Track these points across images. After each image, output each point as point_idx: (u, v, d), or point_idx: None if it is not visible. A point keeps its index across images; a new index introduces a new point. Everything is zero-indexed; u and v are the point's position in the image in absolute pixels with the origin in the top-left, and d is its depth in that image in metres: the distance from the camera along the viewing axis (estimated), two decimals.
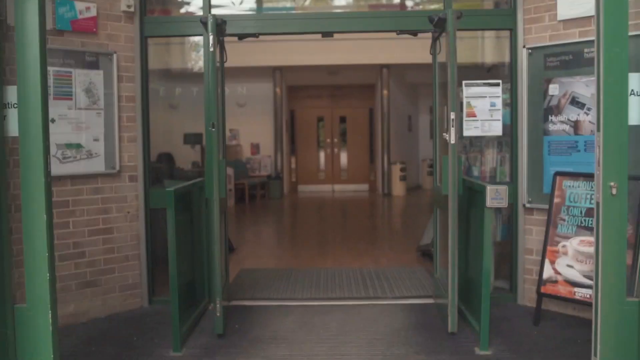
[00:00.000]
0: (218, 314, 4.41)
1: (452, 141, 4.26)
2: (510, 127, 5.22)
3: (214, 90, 4.37)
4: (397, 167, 15.00)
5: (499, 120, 5.17)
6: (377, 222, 11.21)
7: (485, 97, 5.16)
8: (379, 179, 15.82)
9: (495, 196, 4.03)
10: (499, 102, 5.17)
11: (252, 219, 11.75)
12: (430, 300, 5.33)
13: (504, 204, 4.06)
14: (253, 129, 15.42)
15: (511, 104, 5.22)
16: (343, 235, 9.30)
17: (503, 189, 4.05)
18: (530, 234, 5.11)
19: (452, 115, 4.26)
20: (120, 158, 5.02)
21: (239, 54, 14.27)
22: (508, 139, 5.30)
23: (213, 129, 4.37)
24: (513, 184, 5.17)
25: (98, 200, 4.93)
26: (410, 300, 5.37)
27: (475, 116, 5.15)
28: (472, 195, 4.47)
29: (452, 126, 4.25)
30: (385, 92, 15.21)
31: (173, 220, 4.21)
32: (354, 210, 12.86)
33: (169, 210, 4.22)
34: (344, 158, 16.80)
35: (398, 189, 15.01)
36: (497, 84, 5.17)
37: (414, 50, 14.65)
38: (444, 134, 4.36)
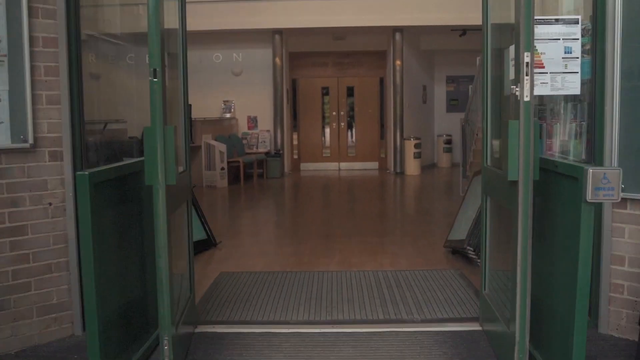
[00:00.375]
0: (166, 359, 2.94)
1: (527, 97, 2.72)
2: (592, 84, 3.66)
3: (156, 13, 2.81)
4: (411, 143, 13.45)
5: (577, 73, 3.62)
6: (392, 208, 9.70)
7: (558, 39, 3.61)
8: (390, 157, 14.28)
9: (602, 185, 2.50)
10: (577, 48, 3.61)
11: (245, 203, 10.25)
12: (475, 326, 3.83)
13: (615, 197, 2.53)
14: (250, 101, 13.87)
15: (593, 51, 3.65)
16: (352, 224, 7.80)
17: (614, 174, 2.52)
18: (622, 235, 3.58)
19: (527, 57, 2.71)
20: (34, 127, 3.50)
21: (233, 15, 12.71)
22: (587, 100, 3.75)
23: (155, 79, 2.83)
24: (593, 164, 3.63)
25: (1, 187, 3.42)
26: (447, 325, 3.87)
27: (542, 67, 3.61)
28: (551, 182, 2.93)
29: (527, 74, 2.71)
30: (398, 60, 13.59)
31: (87, 220, 2.72)
32: (363, 193, 11.35)
33: (81, 205, 2.72)
34: (351, 133, 15.23)
35: (412, 167, 13.47)
36: (575, 22, 3.61)
37: (429, 10, 13.12)
38: (513, 87, 2.81)
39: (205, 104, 13.75)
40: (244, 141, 13.69)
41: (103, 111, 5.19)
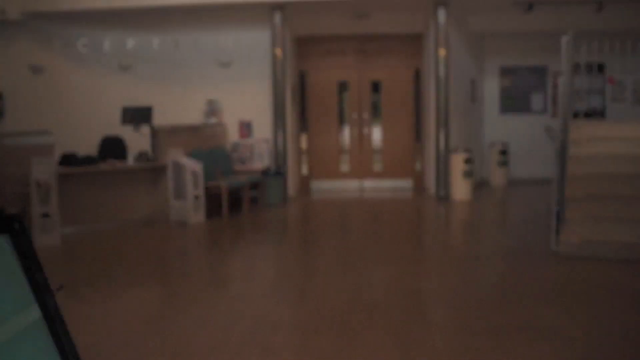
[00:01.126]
0: None
1: None
2: None
3: None
4: (460, 158, 9.88)
5: None
6: (449, 270, 6.16)
7: None
8: (430, 173, 10.74)
9: None
10: None
11: (220, 253, 6.79)
12: None
13: None
14: (243, 101, 10.41)
15: None
16: (391, 302, 4.30)
17: None
18: None
19: None
20: None
21: None
22: None
23: None
24: None
25: None
26: None
27: None
28: None
29: None
30: (441, 45, 10.01)
31: None
32: (399, 231, 7.84)
33: None
34: (377, 141, 11.69)
35: (461, 190, 9.91)
36: None
37: None
38: None
39: (180, 106, 10.32)
40: (235, 154, 10.25)
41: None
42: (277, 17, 9.98)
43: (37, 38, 10.11)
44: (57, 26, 10.16)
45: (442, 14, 9.97)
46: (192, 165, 8.35)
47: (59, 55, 10.21)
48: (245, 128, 10.43)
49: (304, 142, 11.64)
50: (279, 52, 9.99)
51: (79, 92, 10.32)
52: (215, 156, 9.41)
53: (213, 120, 10.21)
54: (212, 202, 8.85)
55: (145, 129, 8.44)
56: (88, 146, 10.10)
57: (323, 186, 11.52)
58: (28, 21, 9.93)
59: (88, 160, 8.03)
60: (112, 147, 9.61)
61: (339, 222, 8.97)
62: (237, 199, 9.28)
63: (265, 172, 9.83)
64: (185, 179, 8.21)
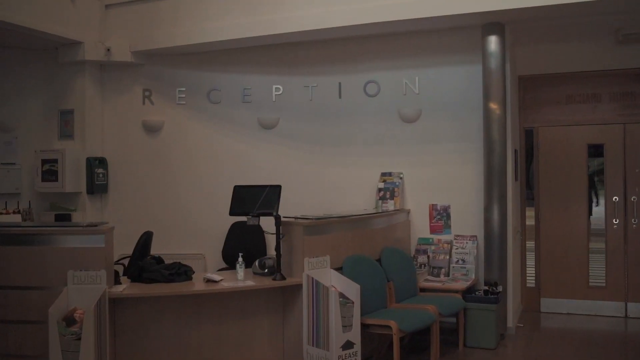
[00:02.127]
0: None
1: None
2: None
3: None
4: None
5: None
6: None
7: None
8: None
9: None
10: None
11: None
12: None
13: None
14: (436, 175, 6.74)
15: None
16: None
17: None
18: None
19: None
20: None
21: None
22: None
23: None
24: None
25: None
26: None
27: None
28: None
29: None
30: None
31: None
32: None
33: None
34: None
35: None
36: None
37: None
38: None
39: (335, 183, 6.99)
40: (421, 257, 6.56)
41: None
42: (493, 44, 6.27)
43: (151, 85, 7.43)
44: (177, 69, 7.41)
45: None
46: (343, 287, 4.82)
47: (179, 108, 7.42)
48: (440, 218, 6.70)
49: (530, 236, 7.59)
50: (496, 86, 6.24)
51: (203, 157, 7.40)
52: (390, 267, 5.78)
53: (388, 205, 6.64)
54: (374, 342, 5.21)
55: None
56: (205, 236, 7.10)
57: (560, 307, 7.31)
58: (140, 63, 7.32)
59: (175, 270, 4.86)
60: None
61: None
62: (422, 340, 5.55)
63: (469, 294, 5.99)
64: (328, 313, 4.69)
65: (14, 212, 6.92)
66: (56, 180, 7.00)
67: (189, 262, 7.01)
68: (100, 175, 7.21)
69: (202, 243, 7.30)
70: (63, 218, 7.02)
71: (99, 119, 7.35)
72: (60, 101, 7.23)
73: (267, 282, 4.91)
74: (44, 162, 7.04)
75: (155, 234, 6.31)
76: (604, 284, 7.23)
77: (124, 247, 5.61)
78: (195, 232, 7.32)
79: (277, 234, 4.97)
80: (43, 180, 7.05)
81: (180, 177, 7.40)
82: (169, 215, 7.36)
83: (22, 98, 7.27)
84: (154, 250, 6.09)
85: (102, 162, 7.26)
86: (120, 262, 5.42)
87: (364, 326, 4.96)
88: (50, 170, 7.03)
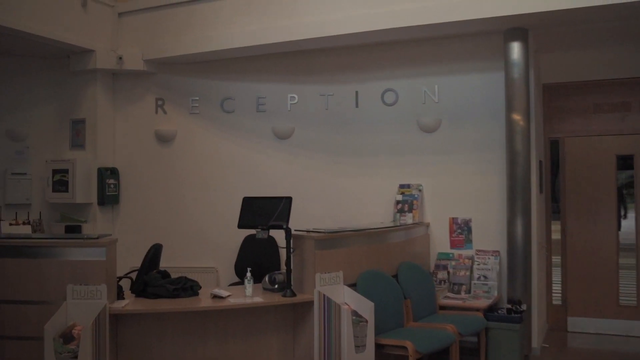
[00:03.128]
0: None
1: None
2: None
3: None
4: None
5: None
6: None
7: None
8: None
9: None
10: None
11: None
12: None
13: None
14: (457, 187, 6.47)
15: None
16: None
17: None
18: None
19: None
20: None
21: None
22: None
23: None
24: None
25: None
26: None
27: None
28: None
29: None
30: None
31: None
32: None
33: None
34: None
35: None
36: None
37: None
38: None
39: (350, 195, 6.77)
40: (441, 273, 6.28)
41: None
42: (516, 51, 6.00)
43: (163, 94, 7.27)
44: (190, 77, 7.25)
45: None
46: (357, 304, 4.57)
47: (192, 118, 7.25)
48: (460, 232, 6.42)
49: (556, 251, 7.27)
50: (519, 95, 5.96)
51: (216, 168, 7.20)
52: (407, 283, 5.51)
53: (407, 218, 6.37)
54: None
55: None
56: (218, 249, 6.91)
57: (588, 326, 6.95)
58: (152, 72, 7.17)
59: (180, 285, 4.64)
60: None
61: None
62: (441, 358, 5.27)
63: (491, 312, 5.68)
64: (340, 332, 4.44)
65: (23, 223, 6.79)
66: (67, 190, 6.85)
67: (201, 276, 6.87)
68: (112, 185, 7.05)
69: (215, 256, 7.09)
70: (73, 229, 6.87)
71: (111, 129, 7.20)
72: (71, 110, 7.10)
73: (277, 298, 4.67)
74: (54, 172, 6.90)
75: (167, 247, 6.14)
76: (635, 303, 6.86)
77: (136, 259, 5.42)
78: (208, 245, 7.11)
79: (288, 247, 4.73)
80: (54, 190, 6.91)
81: (192, 188, 7.21)
82: (181, 227, 7.16)
83: (33, 107, 7.15)
84: (165, 264, 5.90)
85: (113, 172, 7.10)
86: (129, 275, 5.24)
87: (379, 346, 4.69)
88: (61, 181, 6.89)
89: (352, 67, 6.84)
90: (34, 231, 6.78)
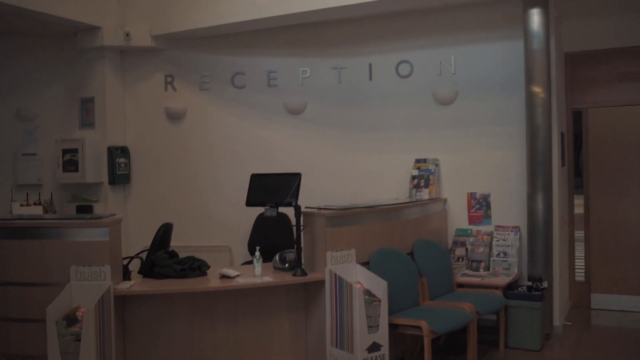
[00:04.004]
0: None
1: None
2: None
3: None
4: None
5: None
6: None
7: None
8: None
9: None
10: None
11: None
12: None
13: None
14: (475, 161, 6.26)
15: None
16: None
17: None
18: None
19: None
20: None
21: None
22: None
23: None
24: None
25: None
26: None
27: None
28: None
29: None
30: None
31: None
32: None
33: None
34: None
35: None
36: None
37: None
38: None
39: (364, 170, 6.60)
40: (459, 250, 6.09)
41: None
42: (536, 18, 5.73)
43: (173, 70, 7.11)
44: (199, 53, 7.07)
45: None
46: (369, 283, 4.42)
47: (202, 94, 7.09)
48: (479, 207, 6.21)
49: (579, 226, 7.03)
50: (539, 68, 5.70)
51: (227, 144, 7.05)
52: (423, 261, 5.33)
53: (423, 194, 6.18)
54: (405, 342, 4.81)
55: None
56: (231, 227, 6.79)
57: (614, 303, 6.72)
58: (160, 48, 7.00)
59: (188, 265, 4.52)
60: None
61: None
62: (460, 339, 5.11)
63: (511, 290, 5.49)
64: (352, 312, 4.29)
65: (35, 204, 6.72)
66: (77, 170, 6.76)
67: (214, 255, 6.79)
68: (122, 165, 6.94)
69: (228, 235, 6.97)
70: (85, 210, 6.78)
71: (120, 107, 7.07)
72: (80, 89, 6.98)
73: (287, 278, 4.53)
74: (64, 152, 6.81)
75: (180, 226, 6.03)
76: None
77: (148, 239, 5.32)
78: (221, 223, 6.99)
79: (297, 225, 4.58)
80: (64, 170, 6.82)
81: (204, 165, 7.07)
82: (193, 206, 7.05)
83: (42, 86, 7.04)
84: (177, 243, 5.80)
85: (124, 151, 6.99)
86: (140, 255, 5.13)
87: (393, 326, 4.54)
88: (71, 161, 6.79)
89: (365, 38, 6.61)
90: (45, 212, 6.71)
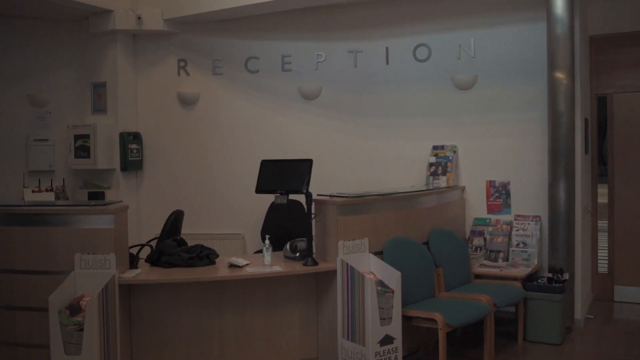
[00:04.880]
0: None
1: None
2: None
3: None
4: None
5: None
6: None
7: None
8: None
9: None
10: None
11: None
12: None
13: None
14: (494, 148, 6.07)
15: None
16: None
17: None
18: None
19: None
20: None
21: None
22: None
23: None
24: None
25: None
26: None
27: None
28: None
29: None
30: None
31: None
32: None
33: None
34: None
35: None
36: None
37: None
38: None
39: (379, 157, 6.43)
40: (477, 239, 5.92)
41: None
42: (559, 1, 5.49)
43: (186, 55, 6.97)
44: (212, 37, 6.92)
45: None
46: (383, 274, 4.27)
47: (216, 79, 6.95)
48: (498, 195, 6.02)
49: (602, 216, 6.81)
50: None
51: (241, 130, 6.91)
52: (439, 251, 5.16)
53: (440, 182, 6.00)
54: (420, 335, 4.67)
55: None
56: (244, 215, 6.69)
57: (638, 296, 6.51)
58: (173, 32, 6.87)
59: (196, 254, 4.41)
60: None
61: None
62: (477, 331, 4.95)
63: (531, 282, 5.31)
64: (364, 303, 4.15)
65: (46, 190, 6.66)
66: (88, 156, 6.67)
67: (227, 243, 6.67)
68: (135, 151, 6.85)
69: (241, 222, 6.85)
70: (96, 196, 6.70)
71: (132, 92, 6.95)
72: (92, 74, 6.88)
73: (297, 267, 4.40)
74: (76, 137, 6.72)
75: (193, 213, 5.93)
76: None
77: (160, 227, 5.21)
78: (234, 211, 6.87)
79: (308, 213, 4.44)
80: (76, 156, 6.74)
81: (217, 151, 6.95)
82: (206, 193, 6.93)
83: (54, 71, 6.94)
84: (190, 230, 5.69)
85: (136, 137, 6.89)
86: (150, 243, 5.03)
87: (406, 318, 4.39)
88: (82, 147, 6.71)
89: (382, 21, 6.42)
90: (57, 198, 6.65)
